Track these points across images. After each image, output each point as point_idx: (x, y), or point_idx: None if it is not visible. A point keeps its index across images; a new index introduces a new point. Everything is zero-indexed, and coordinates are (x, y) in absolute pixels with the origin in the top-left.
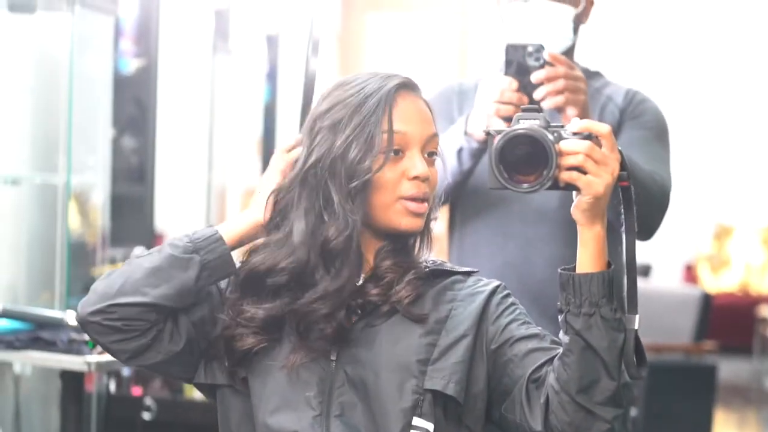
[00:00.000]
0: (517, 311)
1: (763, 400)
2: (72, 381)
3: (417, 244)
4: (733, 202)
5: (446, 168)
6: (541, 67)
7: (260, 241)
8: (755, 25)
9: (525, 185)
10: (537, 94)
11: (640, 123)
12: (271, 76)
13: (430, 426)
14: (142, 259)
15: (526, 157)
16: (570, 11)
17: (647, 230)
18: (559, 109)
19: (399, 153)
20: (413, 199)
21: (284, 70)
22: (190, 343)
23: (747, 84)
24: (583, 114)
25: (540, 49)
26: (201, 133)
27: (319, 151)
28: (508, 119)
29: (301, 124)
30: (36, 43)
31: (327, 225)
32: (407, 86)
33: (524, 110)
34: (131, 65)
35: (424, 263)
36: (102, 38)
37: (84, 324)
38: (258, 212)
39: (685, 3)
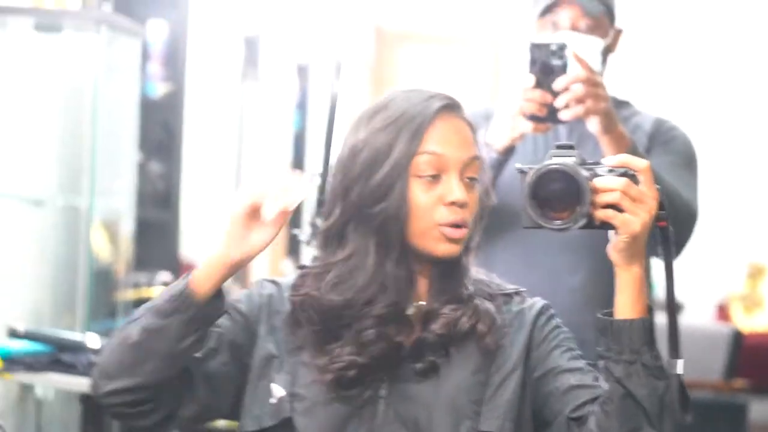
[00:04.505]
0: (561, 336)
1: None
2: (92, 404)
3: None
4: (767, 240)
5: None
6: (564, 65)
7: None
8: None
9: (558, 222)
10: (558, 102)
11: (668, 149)
12: (302, 105)
13: None
14: (133, 326)
15: (559, 194)
16: (599, 42)
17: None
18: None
19: (436, 177)
20: (450, 225)
21: (314, 99)
22: (213, 395)
23: None
24: (606, 121)
25: (563, 47)
26: (229, 159)
27: (359, 180)
28: (532, 118)
29: (326, 146)
30: (63, 65)
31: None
32: (449, 107)
33: (558, 147)
34: (159, 89)
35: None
36: (129, 61)
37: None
38: (228, 250)
39: (713, 33)
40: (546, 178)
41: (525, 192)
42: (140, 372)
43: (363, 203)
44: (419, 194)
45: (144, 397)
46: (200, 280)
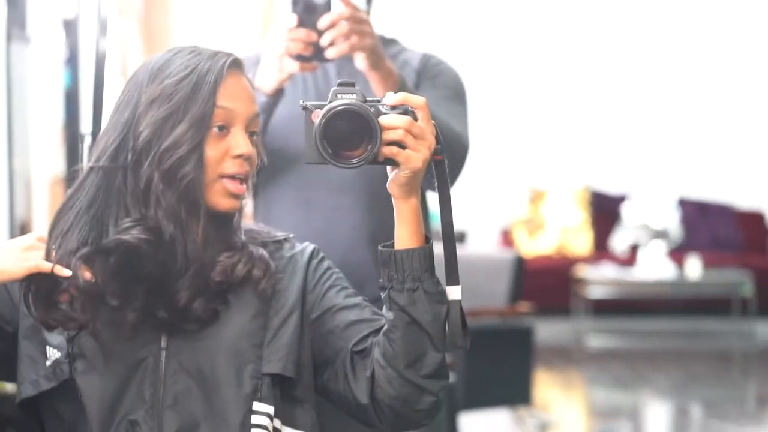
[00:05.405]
0: (334, 276)
1: (584, 359)
2: None
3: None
4: (546, 165)
5: None
6: (328, 3)
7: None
8: None
9: (354, 160)
10: (323, 41)
11: (436, 83)
12: (71, 61)
13: (270, 409)
14: None
15: (347, 133)
16: None
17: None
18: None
19: (224, 131)
20: (234, 177)
21: (85, 54)
22: None
23: (554, 47)
24: (373, 58)
25: None
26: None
27: (155, 138)
28: (299, 57)
29: (95, 105)
30: None
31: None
32: (235, 63)
33: (340, 85)
34: None
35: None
36: None
37: None
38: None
39: None
40: (337, 117)
41: (316, 131)
42: None
43: (163, 163)
44: (208, 148)
45: None
46: None
